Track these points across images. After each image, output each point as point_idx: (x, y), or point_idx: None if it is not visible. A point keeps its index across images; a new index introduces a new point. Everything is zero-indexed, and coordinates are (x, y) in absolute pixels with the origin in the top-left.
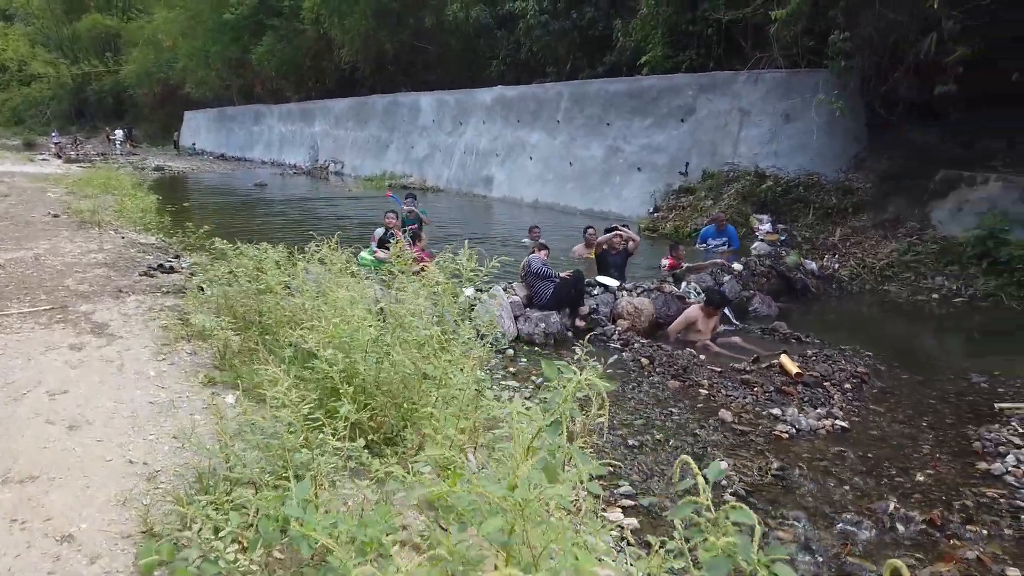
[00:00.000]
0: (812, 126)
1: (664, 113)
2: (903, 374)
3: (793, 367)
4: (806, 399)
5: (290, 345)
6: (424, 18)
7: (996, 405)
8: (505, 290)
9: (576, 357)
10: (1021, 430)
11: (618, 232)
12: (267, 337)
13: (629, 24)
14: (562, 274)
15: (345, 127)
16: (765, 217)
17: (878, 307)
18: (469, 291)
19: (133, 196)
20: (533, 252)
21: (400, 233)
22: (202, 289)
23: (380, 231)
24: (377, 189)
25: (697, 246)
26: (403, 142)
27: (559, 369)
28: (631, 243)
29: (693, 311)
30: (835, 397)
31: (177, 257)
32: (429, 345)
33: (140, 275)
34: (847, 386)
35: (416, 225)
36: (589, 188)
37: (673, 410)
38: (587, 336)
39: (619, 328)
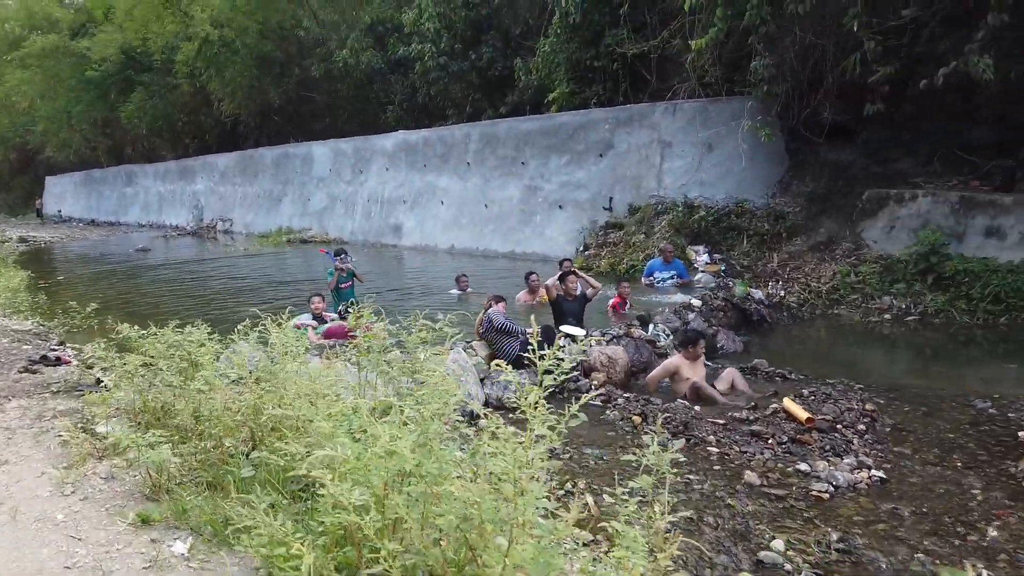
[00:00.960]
0: (735, 153)
1: (582, 149)
2: (904, 406)
3: (801, 412)
4: (827, 448)
5: (250, 461)
6: (311, 66)
7: (1020, 434)
8: (465, 350)
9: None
10: None
11: (573, 272)
12: (217, 450)
13: (530, 63)
14: (528, 329)
15: (232, 183)
16: (701, 248)
17: (836, 332)
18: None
19: None
20: (490, 305)
21: (328, 315)
22: (101, 383)
23: (305, 316)
24: (274, 245)
25: (643, 280)
26: (298, 194)
27: None
28: (590, 289)
29: (674, 360)
30: (854, 442)
31: (62, 344)
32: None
33: (20, 372)
34: (861, 427)
35: (350, 282)
36: (509, 230)
37: (691, 477)
38: (562, 395)
39: (594, 382)
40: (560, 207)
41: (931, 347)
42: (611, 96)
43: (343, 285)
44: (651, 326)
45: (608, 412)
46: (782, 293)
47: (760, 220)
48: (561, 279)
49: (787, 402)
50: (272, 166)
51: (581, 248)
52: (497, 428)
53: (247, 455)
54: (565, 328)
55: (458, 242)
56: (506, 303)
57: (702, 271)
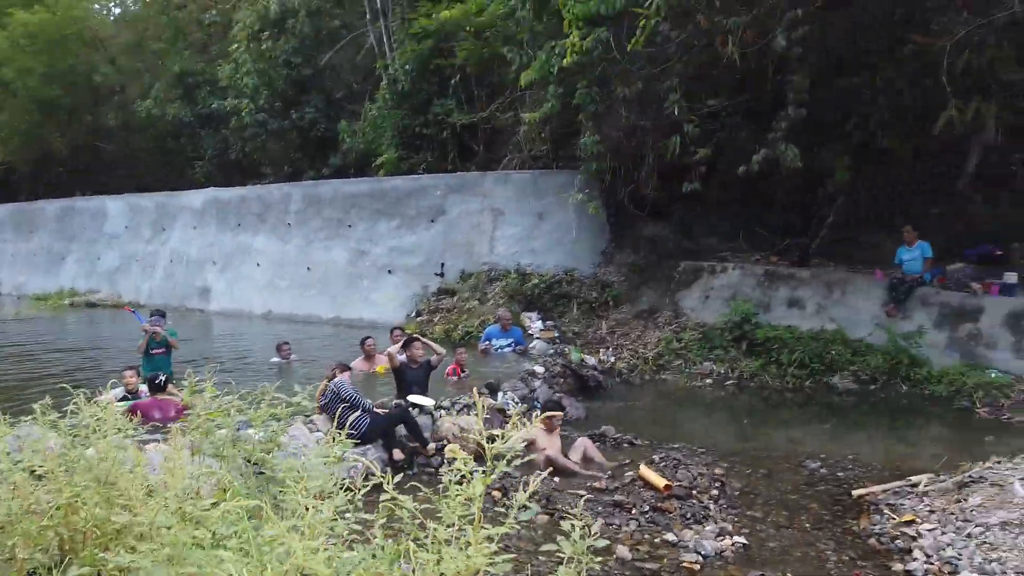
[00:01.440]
0: (565, 223)
1: (413, 214)
2: (746, 469)
3: (659, 479)
4: (687, 515)
5: None
6: (106, 115)
7: (853, 492)
8: (305, 425)
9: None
10: (894, 517)
11: (416, 339)
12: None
13: (356, 126)
14: (370, 402)
15: (1, 238)
16: (534, 315)
17: (666, 397)
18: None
19: None
20: (335, 374)
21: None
22: None
23: (118, 391)
24: (53, 309)
25: (480, 347)
26: (85, 253)
27: None
28: (434, 356)
29: (531, 431)
30: (711, 507)
31: None
32: None
33: None
34: (714, 491)
35: (163, 349)
36: (335, 294)
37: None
38: (411, 470)
39: (448, 456)
40: (390, 272)
41: (752, 410)
42: (439, 163)
43: (154, 351)
44: (500, 394)
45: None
46: (612, 359)
47: (588, 289)
48: (405, 346)
49: (643, 470)
50: (53, 220)
51: (413, 314)
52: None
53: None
54: (413, 398)
55: (276, 306)
56: (351, 372)
57: (537, 337)
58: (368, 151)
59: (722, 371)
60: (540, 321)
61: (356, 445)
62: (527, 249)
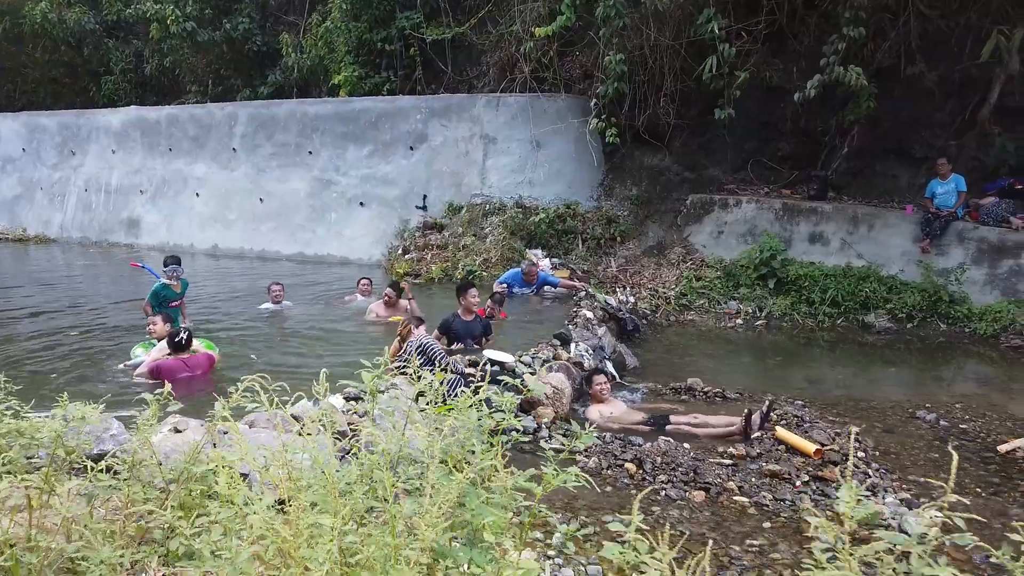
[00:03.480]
0: (564, 154)
1: (388, 140)
2: (860, 423)
3: (805, 443)
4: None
5: None
6: None
7: (999, 448)
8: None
9: None
10: None
11: (472, 287)
12: None
13: (302, 39)
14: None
15: None
16: (540, 252)
17: (705, 340)
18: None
19: None
20: (408, 330)
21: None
22: None
23: (137, 358)
24: None
25: (496, 287)
26: None
27: None
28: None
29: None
30: (869, 472)
31: None
32: None
33: None
34: (861, 454)
35: (179, 300)
36: (295, 229)
37: (754, 542)
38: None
39: (544, 421)
40: (362, 204)
41: (801, 353)
42: (403, 84)
43: (173, 303)
44: (572, 345)
45: (586, 458)
46: (632, 300)
47: (593, 224)
48: (461, 292)
49: (781, 432)
50: None
51: (399, 251)
52: None
53: None
54: (491, 354)
55: (224, 241)
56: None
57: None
58: (316, 69)
59: (750, 310)
60: (548, 260)
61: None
62: (523, 180)
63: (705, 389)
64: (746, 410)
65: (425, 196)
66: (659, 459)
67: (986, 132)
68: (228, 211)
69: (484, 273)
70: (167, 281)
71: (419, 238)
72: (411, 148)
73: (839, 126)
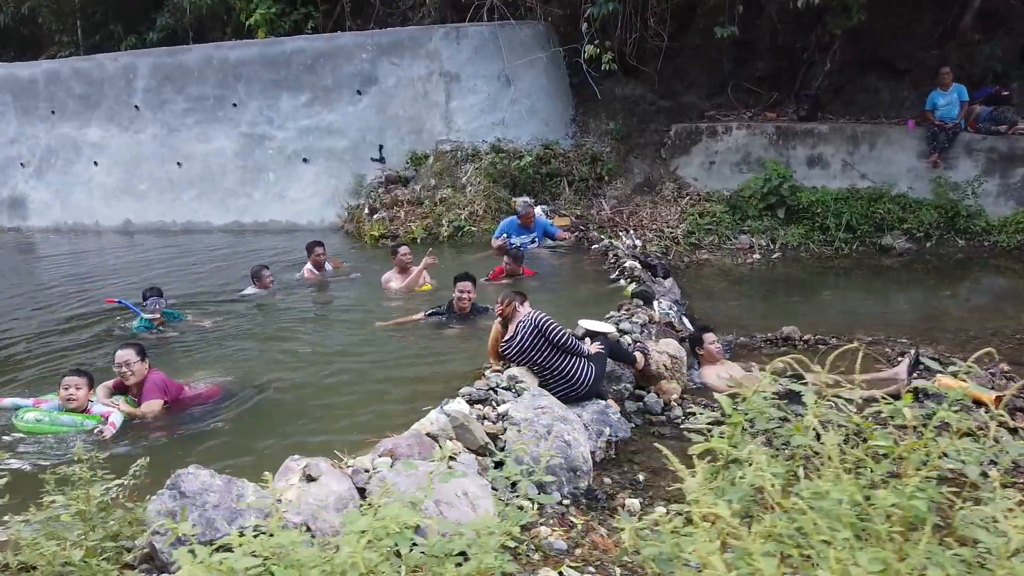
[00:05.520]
0: (536, 88)
1: (329, 85)
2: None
3: (980, 391)
4: None
5: None
6: None
7: None
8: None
9: None
10: None
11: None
12: None
13: None
14: (591, 346)
15: None
16: (528, 200)
17: (733, 279)
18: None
19: None
20: (511, 307)
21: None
22: None
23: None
24: None
25: (496, 242)
26: None
27: None
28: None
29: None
30: None
31: None
32: None
33: None
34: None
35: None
36: (225, 195)
37: None
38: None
39: (672, 398)
40: (305, 160)
41: (839, 283)
42: (325, 23)
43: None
44: (656, 303)
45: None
46: (638, 242)
47: (576, 163)
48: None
49: (945, 379)
50: None
51: (364, 210)
52: None
53: None
54: (587, 323)
55: (137, 216)
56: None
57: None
58: (215, 7)
59: (763, 243)
60: (539, 207)
61: (580, 400)
62: (495, 122)
63: (804, 338)
64: (912, 352)
65: (381, 147)
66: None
67: (968, 41)
68: (137, 180)
69: (473, 228)
70: (149, 316)
71: (383, 195)
72: (358, 93)
73: (819, 41)
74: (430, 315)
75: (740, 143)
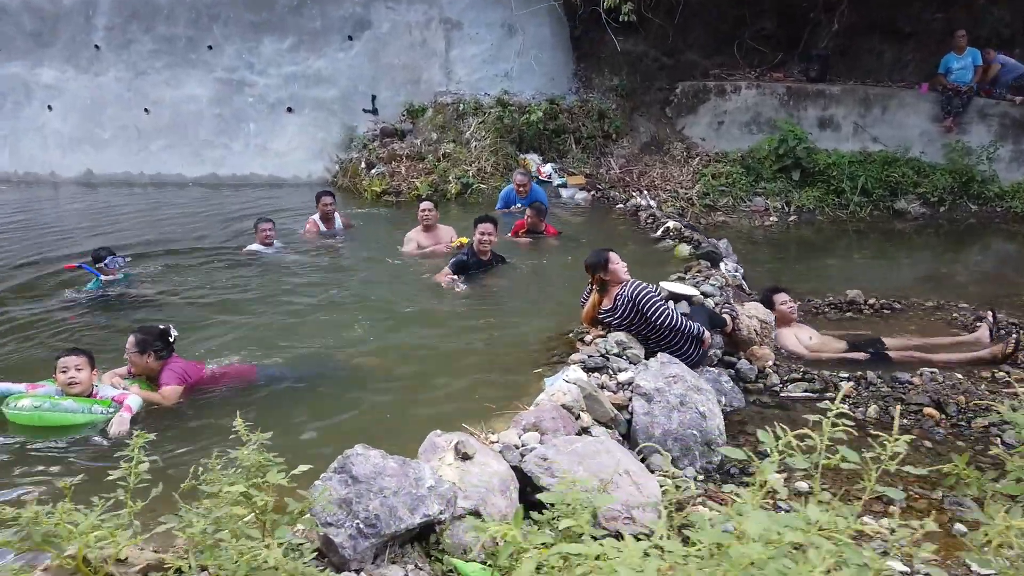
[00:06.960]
0: (540, 39)
1: (317, 28)
2: None
3: None
4: None
5: None
6: None
7: None
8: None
9: None
10: None
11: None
12: None
13: None
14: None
15: None
16: (536, 157)
17: (749, 241)
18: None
19: None
20: (608, 267)
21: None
22: None
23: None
24: None
25: (499, 211)
26: None
27: None
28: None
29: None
30: None
31: None
32: None
33: None
34: None
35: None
36: (200, 145)
37: None
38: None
39: (767, 364)
40: (290, 110)
41: (868, 246)
42: None
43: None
44: (723, 264)
45: (855, 408)
46: (653, 203)
47: (582, 120)
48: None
49: None
50: None
51: (361, 165)
52: None
53: None
54: (670, 285)
55: (99, 166)
56: None
57: (561, 186)
58: None
59: (778, 206)
60: (549, 164)
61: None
62: (498, 73)
63: (870, 301)
64: (989, 316)
65: (374, 97)
66: (961, 398)
67: (974, 4)
68: (99, 127)
69: (482, 186)
70: (106, 277)
71: (380, 149)
72: (349, 38)
73: (826, 1)
74: (453, 264)
75: (750, 103)
